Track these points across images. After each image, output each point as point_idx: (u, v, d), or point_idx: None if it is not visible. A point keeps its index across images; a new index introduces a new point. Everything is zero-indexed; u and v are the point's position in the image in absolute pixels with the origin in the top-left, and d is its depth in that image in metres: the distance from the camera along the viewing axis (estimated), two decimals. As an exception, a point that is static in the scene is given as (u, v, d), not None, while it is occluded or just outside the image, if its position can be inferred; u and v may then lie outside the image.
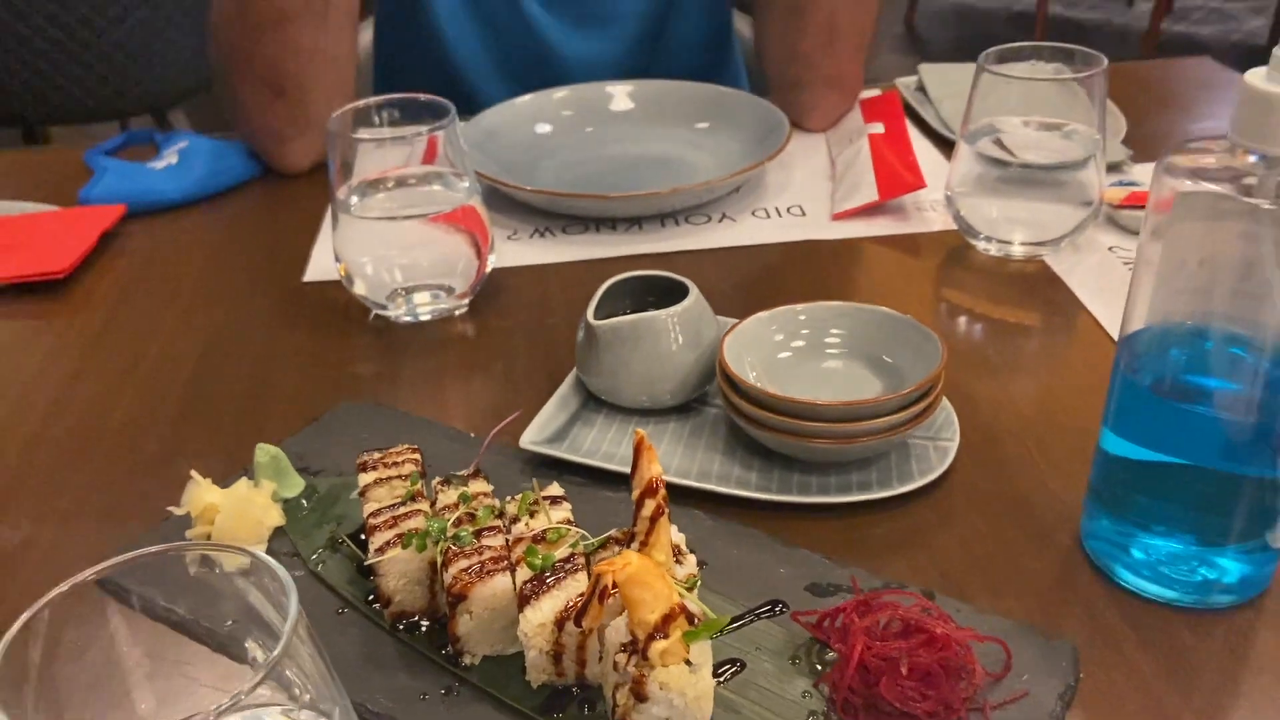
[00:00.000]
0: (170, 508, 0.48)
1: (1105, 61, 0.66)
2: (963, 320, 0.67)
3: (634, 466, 0.41)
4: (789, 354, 0.54)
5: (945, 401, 0.53)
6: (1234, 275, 0.40)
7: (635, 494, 0.41)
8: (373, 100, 0.64)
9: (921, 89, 0.95)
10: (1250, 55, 2.72)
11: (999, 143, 0.71)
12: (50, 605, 0.29)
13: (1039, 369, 0.62)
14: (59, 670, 0.31)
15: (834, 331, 0.54)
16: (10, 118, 1.89)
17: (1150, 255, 0.41)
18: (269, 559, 0.31)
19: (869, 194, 0.76)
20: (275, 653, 0.28)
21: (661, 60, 1.04)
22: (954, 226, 0.73)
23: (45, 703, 0.30)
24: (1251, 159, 0.38)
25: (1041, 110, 0.69)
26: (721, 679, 0.41)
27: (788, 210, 0.78)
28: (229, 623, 0.36)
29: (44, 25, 1.78)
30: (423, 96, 0.63)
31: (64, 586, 0.30)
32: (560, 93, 0.88)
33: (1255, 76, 0.37)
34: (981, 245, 0.72)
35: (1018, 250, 0.71)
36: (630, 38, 1.02)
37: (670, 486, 0.50)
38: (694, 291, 0.54)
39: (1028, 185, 0.69)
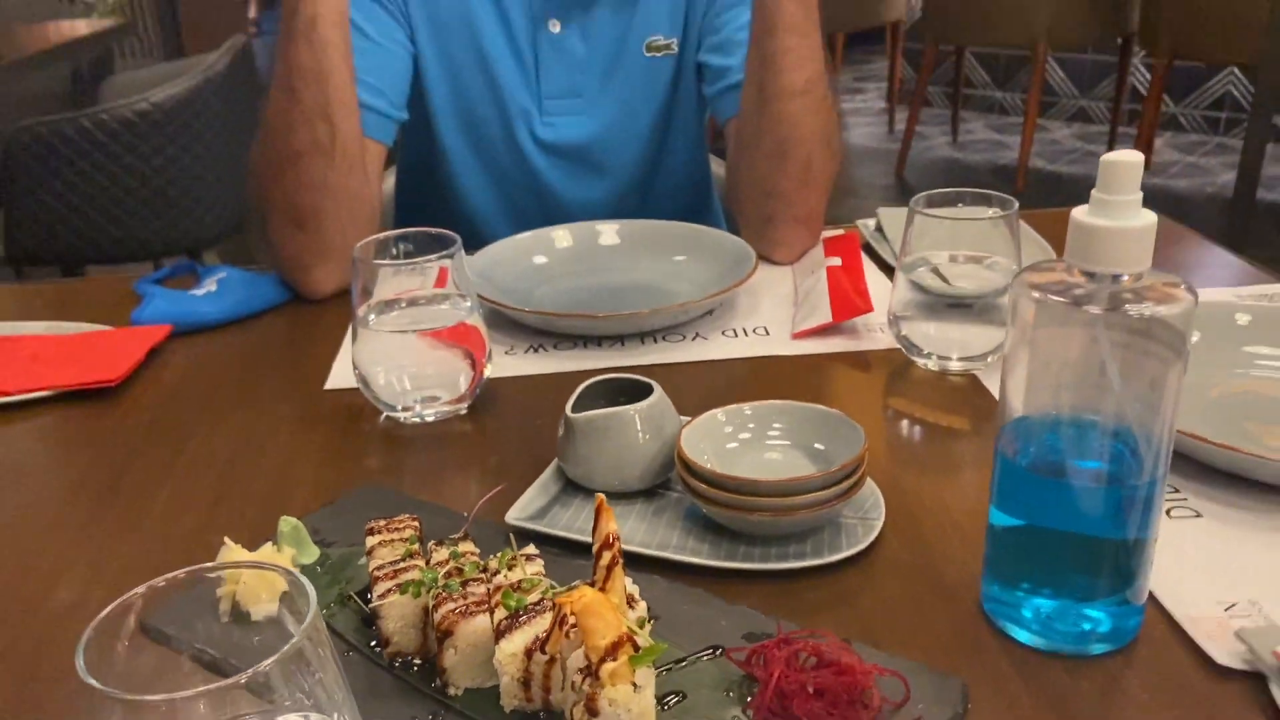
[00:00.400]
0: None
1: (1015, 204, 0.77)
2: (904, 424, 0.76)
3: (595, 525, 0.49)
4: (736, 444, 0.63)
5: (873, 485, 0.62)
6: (1083, 370, 0.49)
7: (595, 547, 0.49)
8: (391, 233, 0.75)
9: (880, 229, 1.07)
10: (1223, 207, 2.89)
11: (937, 272, 0.81)
12: (144, 595, 0.38)
13: (964, 465, 0.70)
14: (136, 659, 0.39)
15: (775, 425, 0.63)
16: (53, 258, 2.03)
17: (1018, 357, 0.50)
18: (293, 570, 0.39)
19: (824, 316, 0.86)
20: (296, 637, 0.36)
21: (650, 204, 1.17)
22: (898, 345, 0.83)
23: (124, 683, 0.38)
24: (1082, 276, 0.47)
25: (966, 245, 0.79)
26: (666, 707, 0.48)
27: (753, 330, 0.88)
28: (257, 638, 0.44)
29: (92, 173, 1.94)
30: (434, 230, 0.74)
31: (141, 589, 0.38)
32: (557, 230, 1.00)
33: (1079, 212, 0.47)
34: (921, 361, 0.81)
35: (955, 365, 0.80)
36: (624, 185, 1.16)
37: (635, 556, 0.58)
38: (658, 390, 0.64)
39: (957, 309, 0.79)
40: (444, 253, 0.72)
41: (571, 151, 1.12)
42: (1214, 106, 4.01)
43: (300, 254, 0.95)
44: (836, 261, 0.95)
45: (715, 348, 0.86)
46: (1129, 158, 0.46)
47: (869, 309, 0.86)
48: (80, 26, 3.00)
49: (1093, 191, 0.47)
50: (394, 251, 0.75)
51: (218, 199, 2.12)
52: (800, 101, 0.96)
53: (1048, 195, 3.52)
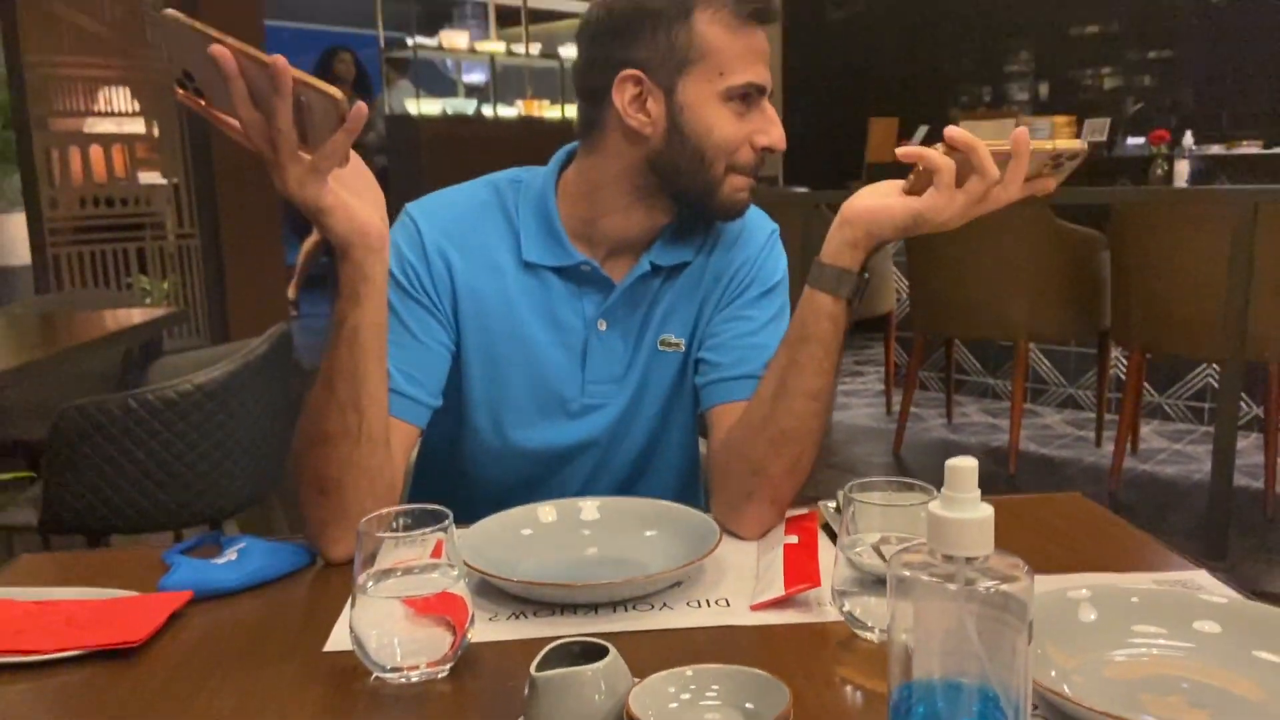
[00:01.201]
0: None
1: (935, 491, 0.89)
2: (846, 690, 0.83)
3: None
4: (678, 704, 0.71)
5: (800, 744, 0.69)
6: (953, 638, 0.59)
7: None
8: (395, 509, 0.87)
9: (838, 510, 1.18)
10: (1208, 494, 2.98)
11: (876, 550, 0.92)
12: None
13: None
14: None
15: (713, 687, 0.72)
16: (83, 528, 2.14)
17: (899, 628, 0.60)
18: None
19: (778, 590, 0.96)
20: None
21: (648, 480, 1.32)
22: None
23: None
24: (943, 558, 0.58)
25: (897, 528, 0.90)
26: None
27: (715, 601, 0.98)
28: None
29: (132, 449, 2.09)
30: (430, 506, 0.86)
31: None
32: (543, 507, 1.13)
33: (934, 505, 0.59)
34: (863, 634, 0.90)
35: (893, 638, 0.89)
36: (629, 464, 1.32)
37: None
38: (613, 653, 0.73)
39: (891, 585, 0.89)
40: (437, 526, 0.84)
41: (590, 434, 1.28)
42: (1196, 397, 4.21)
43: (323, 519, 1.07)
44: (794, 539, 1.06)
45: (680, 617, 0.95)
46: (966, 464, 0.58)
47: (817, 584, 0.96)
48: (135, 315, 3.28)
49: (942, 489, 0.59)
50: (395, 525, 0.87)
51: (244, 472, 2.26)
52: (811, 404, 1.12)
53: (1041, 478, 3.65)
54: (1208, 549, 2.85)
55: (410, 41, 7.48)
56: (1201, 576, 1.00)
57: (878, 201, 1.08)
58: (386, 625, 0.84)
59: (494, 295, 1.24)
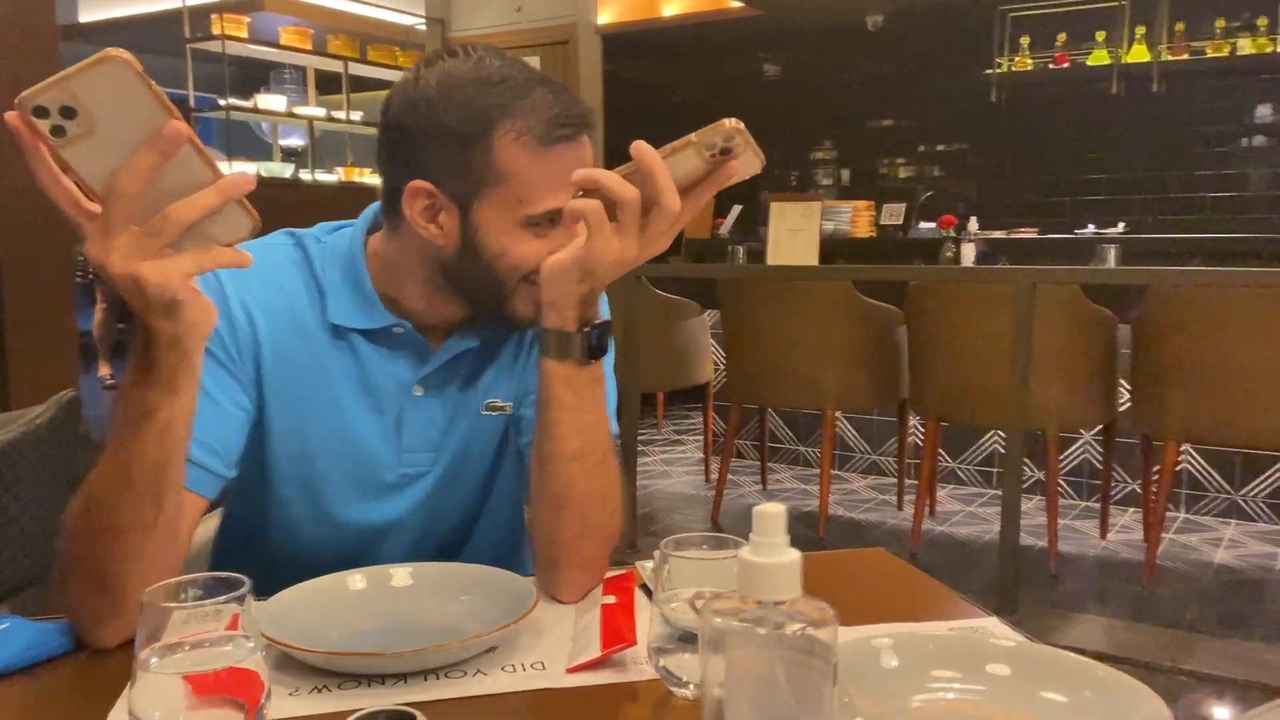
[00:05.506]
0: None
1: (744, 544, 0.91)
2: (660, 751, 0.83)
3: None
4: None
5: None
6: (765, 684, 0.59)
7: None
8: (184, 578, 0.80)
9: (655, 568, 1.18)
10: (998, 553, 3.18)
11: (692, 604, 0.92)
12: None
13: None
14: None
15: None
16: None
17: (711, 677, 0.60)
18: None
19: (594, 651, 0.95)
20: None
21: (469, 555, 1.28)
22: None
23: None
24: (754, 604, 0.59)
25: (712, 583, 0.91)
26: None
27: (531, 665, 0.95)
28: None
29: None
30: (223, 574, 0.80)
31: None
32: (352, 575, 1.07)
33: (744, 551, 0.60)
34: (679, 690, 0.90)
35: (708, 694, 0.89)
36: (445, 539, 1.27)
37: None
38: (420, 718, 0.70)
39: (706, 640, 0.89)
40: (230, 596, 0.78)
41: (409, 505, 1.23)
42: (985, 463, 4.51)
43: (99, 614, 0.97)
44: (611, 599, 1.05)
45: (494, 683, 0.92)
46: (774, 509, 0.60)
47: (633, 643, 0.95)
48: (-105, 378, 2.97)
49: (750, 535, 0.60)
50: (183, 596, 0.80)
51: (20, 552, 2.06)
52: (575, 465, 1.10)
53: (849, 540, 3.81)
54: (999, 604, 3.03)
55: (222, 103, 7.22)
56: (991, 623, 1.06)
57: (556, 258, 1.05)
58: (171, 706, 0.77)
59: (302, 360, 1.17)
